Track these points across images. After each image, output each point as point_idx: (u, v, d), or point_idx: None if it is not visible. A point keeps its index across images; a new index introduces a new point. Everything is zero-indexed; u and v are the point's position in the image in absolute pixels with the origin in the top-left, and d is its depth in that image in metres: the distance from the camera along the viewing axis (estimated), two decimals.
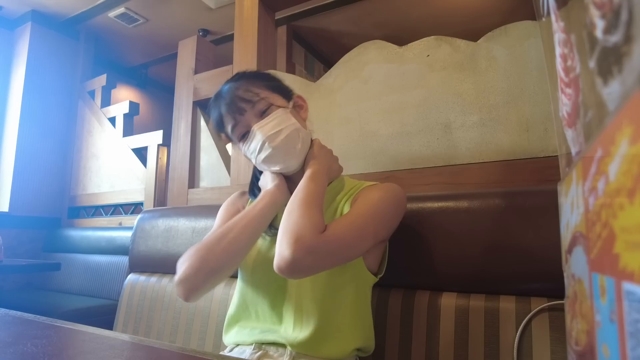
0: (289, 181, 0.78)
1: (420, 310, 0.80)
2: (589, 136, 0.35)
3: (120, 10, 2.63)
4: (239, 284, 0.79)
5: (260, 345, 0.71)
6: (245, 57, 1.63)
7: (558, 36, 0.45)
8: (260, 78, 0.77)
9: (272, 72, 0.85)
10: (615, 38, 0.26)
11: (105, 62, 3.34)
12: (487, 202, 0.80)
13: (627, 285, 0.25)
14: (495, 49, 1.12)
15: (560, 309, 0.68)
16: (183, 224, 1.15)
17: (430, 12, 2.75)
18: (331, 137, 1.35)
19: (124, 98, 3.23)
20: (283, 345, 0.69)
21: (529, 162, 1.02)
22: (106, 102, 2.64)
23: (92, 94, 2.68)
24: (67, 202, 2.64)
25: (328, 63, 3.33)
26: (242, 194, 0.87)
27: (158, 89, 3.96)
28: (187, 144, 1.81)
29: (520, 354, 0.69)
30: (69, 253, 2.32)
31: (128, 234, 1.96)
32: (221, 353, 0.73)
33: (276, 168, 0.75)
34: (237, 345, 0.75)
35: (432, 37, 1.23)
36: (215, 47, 2.12)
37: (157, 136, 2.27)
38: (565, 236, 0.51)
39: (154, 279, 1.17)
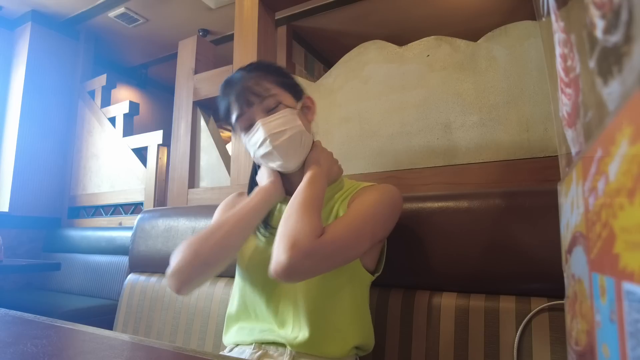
0: (285, 179, 0.78)
1: (420, 310, 0.80)
2: (589, 136, 0.35)
3: (120, 10, 2.63)
4: (238, 282, 0.79)
5: (260, 344, 0.71)
6: (245, 57, 1.63)
7: (558, 36, 0.45)
8: (274, 73, 0.76)
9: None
10: (615, 38, 0.26)
11: (105, 62, 3.34)
12: (487, 202, 0.80)
13: (627, 285, 0.25)
14: (495, 49, 1.12)
15: (560, 309, 0.68)
16: (183, 224, 1.15)
17: (430, 12, 2.75)
18: (331, 137, 1.35)
19: (124, 98, 3.23)
20: (283, 345, 0.69)
21: (529, 162, 1.02)
22: (106, 102, 2.64)
23: (92, 94, 2.68)
24: (67, 202, 2.64)
25: (328, 63, 3.33)
26: (240, 194, 0.87)
27: (158, 89, 3.96)
28: (187, 144, 1.81)
29: (520, 354, 0.69)
30: (69, 253, 2.32)
31: (128, 234, 1.96)
32: (221, 353, 0.73)
33: (274, 165, 0.75)
34: (237, 345, 0.75)
35: (432, 37, 1.23)
36: (215, 47, 2.12)
37: (157, 136, 2.27)
38: (565, 236, 0.51)
39: (154, 279, 1.17)
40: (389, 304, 0.83)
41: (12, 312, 0.63)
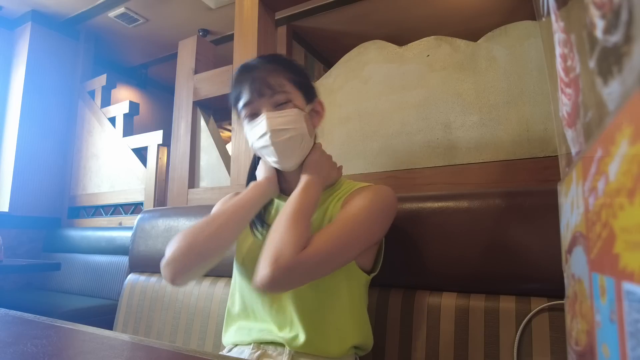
0: (281, 177, 0.79)
1: (420, 310, 0.80)
2: (589, 136, 0.35)
3: (120, 10, 2.63)
4: (236, 279, 0.80)
5: (259, 344, 0.72)
6: (245, 57, 1.63)
7: (558, 36, 0.45)
8: (291, 70, 0.75)
9: None
10: (615, 38, 0.26)
11: (105, 62, 3.34)
12: (487, 202, 0.80)
13: (627, 285, 0.25)
14: (495, 49, 1.12)
15: (560, 309, 0.68)
16: (183, 224, 1.15)
17: (430, 12, 2.75)
18: (331, 137, 1.35)
19: (124, 98, 3.23)
20: (282, 345, 0.70)
21: (529, 162, 1.02)
22: (106, 102, 2.64)
23: (92, 94, 2.68)
24: (67, 202, 2.64)
25: (328, 63, 3.33)
26: (237, 194, 0.88)
27: (158, 89, 3.96)
28: (187, 144, 1.81)
29: (520, 354, 0.69)
30: (69, 253, 2.32)
31: (128, 234, 1.96)
32: (220, 353, 0.74)
33: (269, 160, 0.75)
34: (236, 345, 0.75)
35: (432, 37, 1.23)
36: (215, 47, 2.12)
37: (157, 136, 2.27)
38: (565, 236, 0.51)
39: (154, 279, 1.17)
40: (389, 304, 0.83)
41: (12, 312, 0.63)
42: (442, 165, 1.14)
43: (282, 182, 0.79)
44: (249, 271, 0.75)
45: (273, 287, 0.60)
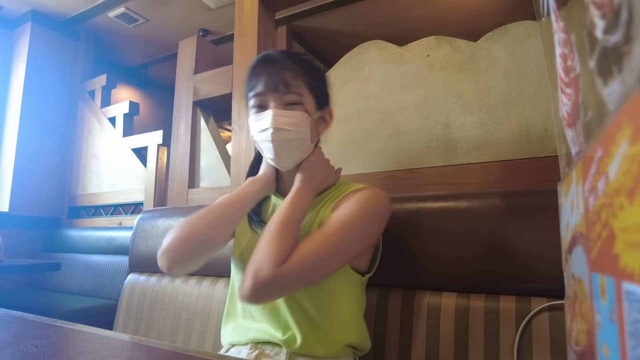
0: (278, 176, 0.80)
1: (420, 310, 0.80)
2: (589, 136, 0.35)
3: (120, 10, 2.63)
4: (234, 277, 0.80)
5: (256, 344, 0.72)
6: (245, 57, 1.63)
7: (558, 36, 0.45)
8: (310, 74, 0.74)
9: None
10: (615, 38, 0.26)
11: (105, 62, 3.34)
12: (487, 202, 0.80)
13: (627, 285, 0.25)
14: (495, 49, 1.12)
15: (560, 309, 0.68)
16: None
17: (430, 12, 2.75)
18: (331, 137, 1.35)
19: (124, 98, 3.23)
20: (279, 345, 0.70)
21: (529, 162, 1.02)
22: (106, 102, 2.64)
23: (92, 94, 2.68)
24: (67, 202, 2.64)
25: (328, 63, 3.33)
26: None
27: (158, 89, 3.96)
28: (187, 144, 1.81)
29: (520, 354, 0.69)
30: (69, 253, 2.32)
31: (128, 234, 1.96)
32: (220, 353, 0.74)
33: (266, 154, 0.75)
34: (233, 345, 0.76)
35: (432, 37, 1.23)
36: (215, 47, 2.12)
37: (157, 136, 2.27)
38: (565, 236, 0.51)
39: (154, 279, 1.17)
40: (389, 304, 0.83)
41: (12, 312, 0.63)
42: (442, 165, 1.14)
43: (279, 181, 0.80)
44: (242, 266, 0.76)
45: (255, 300, 0.62)
